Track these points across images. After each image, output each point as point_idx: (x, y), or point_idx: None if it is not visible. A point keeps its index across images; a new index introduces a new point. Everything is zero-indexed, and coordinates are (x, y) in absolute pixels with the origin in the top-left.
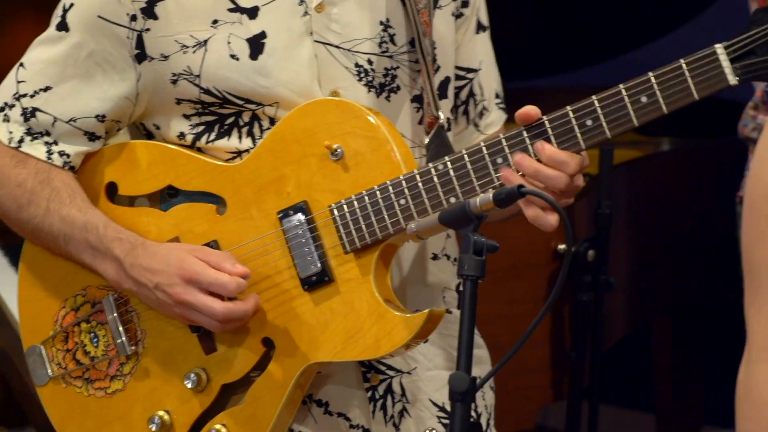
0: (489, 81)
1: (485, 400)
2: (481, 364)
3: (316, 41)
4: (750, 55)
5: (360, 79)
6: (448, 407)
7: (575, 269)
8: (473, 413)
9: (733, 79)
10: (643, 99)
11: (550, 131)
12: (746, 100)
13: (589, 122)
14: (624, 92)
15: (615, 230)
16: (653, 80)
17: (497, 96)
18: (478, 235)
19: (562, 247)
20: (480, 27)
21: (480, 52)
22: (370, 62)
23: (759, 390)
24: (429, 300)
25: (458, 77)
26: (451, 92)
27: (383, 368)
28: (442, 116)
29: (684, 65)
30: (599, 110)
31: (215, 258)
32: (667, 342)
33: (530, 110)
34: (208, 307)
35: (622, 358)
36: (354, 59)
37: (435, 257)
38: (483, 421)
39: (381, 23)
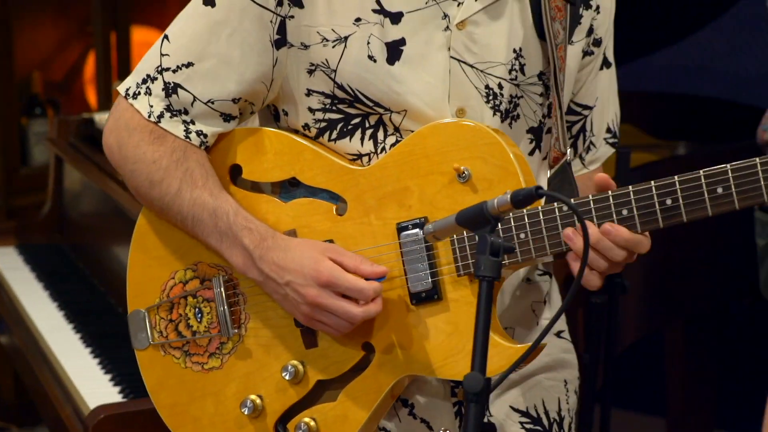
0: (602, 116)
1: (569, 404)
2: (569, 368)
3: (452, 57)
4: None
5: (488, 101)
6: (531, 411)
7: None
8: (556, 416)
9: None
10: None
11: (678, 190)
12: (766, 105)
13: (668, 201)
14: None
15: None
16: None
17: (608, 131)
18: (494, 236)
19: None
20: (605, 63)
21: (599, 89)
22: (500, 86)
23: None
24: (518, 313)
25: (574, 112)
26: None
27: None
28: (569, 153)
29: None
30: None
31: (351, 262)
32: (679, 346)
33: (609, 180)
34: (345, 311)
35: (634, 362)
36: (486, 81)
37: (529, 281)
38: (566, 424)
39: (514, 51)
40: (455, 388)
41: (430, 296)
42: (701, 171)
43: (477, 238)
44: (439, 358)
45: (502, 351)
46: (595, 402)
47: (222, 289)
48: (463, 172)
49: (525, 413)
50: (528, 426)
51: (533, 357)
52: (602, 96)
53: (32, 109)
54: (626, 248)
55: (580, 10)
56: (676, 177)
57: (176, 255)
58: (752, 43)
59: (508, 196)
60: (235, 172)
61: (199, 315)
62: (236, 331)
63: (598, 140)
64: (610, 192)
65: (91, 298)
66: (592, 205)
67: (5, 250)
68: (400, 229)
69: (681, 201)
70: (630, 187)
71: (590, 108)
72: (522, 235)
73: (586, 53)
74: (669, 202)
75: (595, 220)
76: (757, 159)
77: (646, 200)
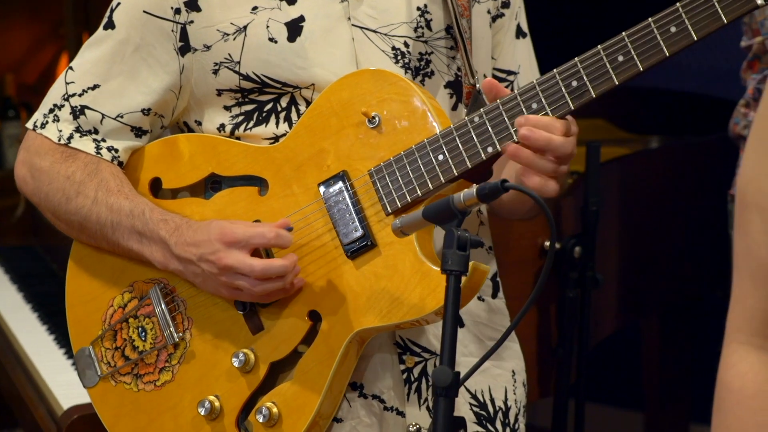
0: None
1: (516, 395)
2: (516, 359)
3: (353, 25)
4: None
5: (397, 62)
6: (479, 395)
7: (562, 266)
8: (502, 405)
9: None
10: (673, 29)
11: (582, 71)
12: (737, 98)
13: (620, 58)
14: (653, 24)
15: (603, 227)
16: (681, 9)
17: None
18: (462, 230)
19: (548, 243)
20: (520, 32)
21: (519, 57)
22: (407, 45)
23: (725, 370)
24: None
25: (499, 79)
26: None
27: (418, 350)
28: (479, 84)
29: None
30: (630, 45)
31: (258, 223)
32: (655, 339)
33: (496, 82)
34: (247, 264)
35: (609, 356)
36: (391, 43)
37: (490, 249)
38: (512, 415)
39: (418, 8)
40: (403, 356)
41: (364, 245)
42: (599, 45)
43: (444, 232)
44: (385, 305)
45: (444, 278)
46: (569, 397)
47: (159, 297)
48: (373, 117)
49: (473, 395)
50: (475, 409)
51: (476, 285)
52: (524, 64)
53: (5, 111)
54: (545, 129)
55: None
56: (576, 58)
57: (110, 283)
58: (723, 36)
59: (474, 189)
60: (156, 185)
61: (143, 333)
62: (181, 335)
63: None
64: (516, 92)
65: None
66: (501, 108)
67: None
68: (322, 188)
69: (586, 79)
70: (534, 80)
71: (514, 74)
72: (440, 157)
73: (497, 16)
74: (575, 83)
75: (507, 120)
76: (650, 18)
77: (553, 87)
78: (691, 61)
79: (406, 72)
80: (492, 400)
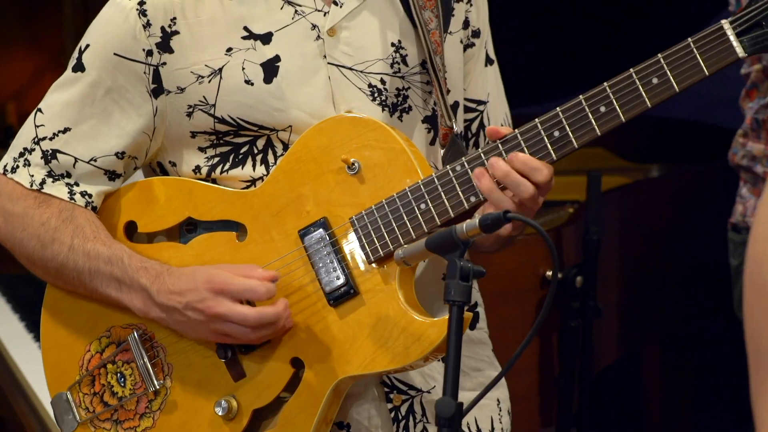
0: (498, 113)
1: (501, 423)
2: (501, 387)
3: (329, 63)
4: (756, 28)
5: (374, 99)
6: (465, 427)
7: (563, 295)
8: None
9: (741, 52)
10: (655, 80)
11: (564, 121)
12: (736, 127)
13: (602, 108)
14: (635, 75)
15: (604, 256)
16: (663, 61)
17: (508, 125)
18: (464, 260)
19: (550, 273)
20: (488, 60)
21: (489, 85)
22: (383, 82)
23: None
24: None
25: (469, 109)
26: (460, 117)
27: (405, 388)
28: (456, 126)
29: (692, 43)
30: (612, 96)
31: (241, 269)
32: (656, 368)
33: (499, 128)
34: (239, 314)
35: (611, 385)
36: (367, 80)
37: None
38: None
39: (393, 44)
40: (390, 394)
41: (347, 292)
42: (580, 95)
43: (447, 263)
44: (369, 353)
45: (427, 327)
46: (571, 426)
47: (138, 344)
48: (353, 164)
49: None
50: None
51: None
52: (492, 92)
53: (7, 140)
54: (523, 173)
55: (451, 1)
56: (558, 108)
57: (87, 328)
58: None
59: (477, 220)
60: (131, 229)
61: (122, 379)
62: (161, 383)
63: None
64: (498, 141)
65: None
66: (483, 157)
67: None
68: (302, 235)
69: (568, 129)
70: (516, 130)
71: (484, 103)
72: (423, 206)
73: (468, 46)
74: (557, 133)
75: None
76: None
77: (535, 137)
78: (690, 89)
79: (383, 109)
80: (479, 431)
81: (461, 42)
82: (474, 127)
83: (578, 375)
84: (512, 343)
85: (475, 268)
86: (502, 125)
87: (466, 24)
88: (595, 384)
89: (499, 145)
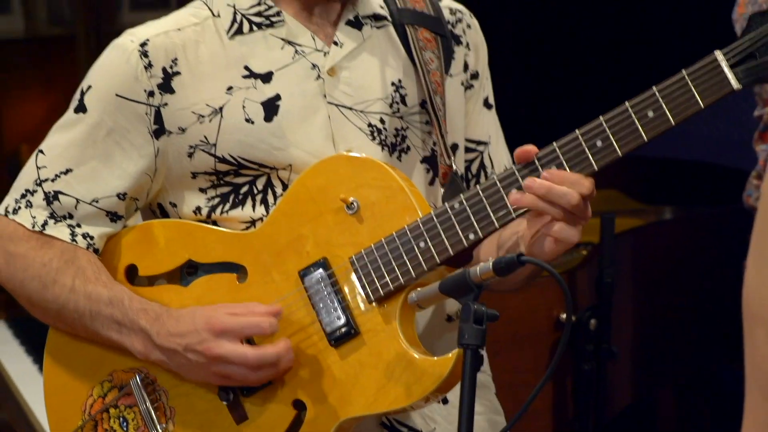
0: (499, 155)
1: None
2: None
3: (329, 103)
4: (750, 59)
5: (373, 138)
6: None
7: (577, 338)
8: None
9: (736, 84)
10: (650, 113)
11: (561, 157)
12: (750, 169)
13: (599, 143)
14: (630, 109)
15: (618, 299)
16: (658, 94)
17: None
18: (478, 303)
19: (564, 316)
20: (487, 104)
21: (489, 127)
22: (382, 121)
23: None
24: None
25: (469, 150)
26: (460, 159)
27: (405, 429)
28: (455, 166)
29: (686, 75)
30: (608, 130)
31: (242, 307)
32: (671, 412)
33: (527, 148)
34: (239, 354)
35: (625, 428)
36: (367, 119)
37: (449, 319)
38: None
39: (393, 84)
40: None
41: (348, 333)
42: (576, 130)
43: (461, 306)
44: (371, 394)
45: (429, 366)
46: None
47: (140, 387)
48: (352, 203)
49: None
50: None
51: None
52: (493, 134)
53: None
54: (567, 185)
55: (452, 44)
56: (554, 143)
57: (89, 372)
58: (736, 106)
59: (490, 263)
60: (131, 272)
61: (125, 423)
62: (164, 426)
63: None
64: (496, 178)
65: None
66: (481, 194)
67: None
68: (302, 276)
69: (565, 165)
70: (513, 166)
71: (485, 143)
72: (422, 244)
73: (467, 87)
74: (554, 168)
75: (488, 207)
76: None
77: (533, 173)
78: (704, 131)
79: (383, 149)
80: None
81: (462, 84)
82: (474, 167)
83: (593, 418)
84: (526, 386)
85: (488, 311)
86: (506, 168)
87: (465, 67)
88: (609, 427)
89: (497, 182)
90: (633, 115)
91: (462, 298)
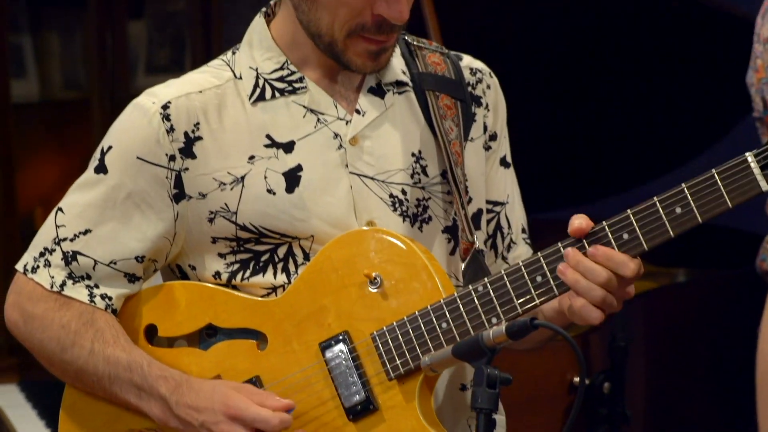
0: (516, 215)
1: None
2: None
3: (351, 173)
4: None
5: (395, 209)
6: None
7: (591, 402)
8: None
9: (765, 186)
10: (678, 210)
11: (586, 246)
12: (763, 233)
13: (625, 236)
14: (659, 204)
15: (632, 362)
16: (687, 191)
17: (524, 231)
18: (491, 367)
19: (577, 379)
20: (505, 163)
21: (507, 186)
22: (404, 192)
23: None
24: (453, 428)
25: (486, 210)
26: (484, 224)
27: None
28: (477, 242)
29: (716, 174)
30: (635, 223)
31: (258, 396)
32: None
33: (583, 222)
34: None
35: None
36: (389, 190)
37: (463, 388)
38: None
39: (413, 155)
40: None
41: (366, 408)
42: (604, 222)
43: (474, 370)
44: None
45: None
46: None
47: None
48: (375, 278)
49: None
50: None
51: None
52: (512, 194)
53: None
54: (609, 268)
55: (472, 107)
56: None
57: (105, 428)
58: None
59: (503, 327)
60: (151, 332)
61: None
62: None
63: (518, 238)
64: (521, 263)
65: None
66: (506, 279)
67: (7, 387)
68: (323, 348)
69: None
70: (539, 253)
71: (501, 204)
72: (444, 325)
73: (486, 149)
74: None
75: (512, 292)
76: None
77: (558, 262)
78: None
79: (404, 220)
80: None
81: (482, 147)
82: (490, 228)
83: None
84: None
85: (502, 375)
86: (523, 229)
87: (484, 129)
88: None
89: (522, 268)
90: (661, 210)
91: (475, 362)
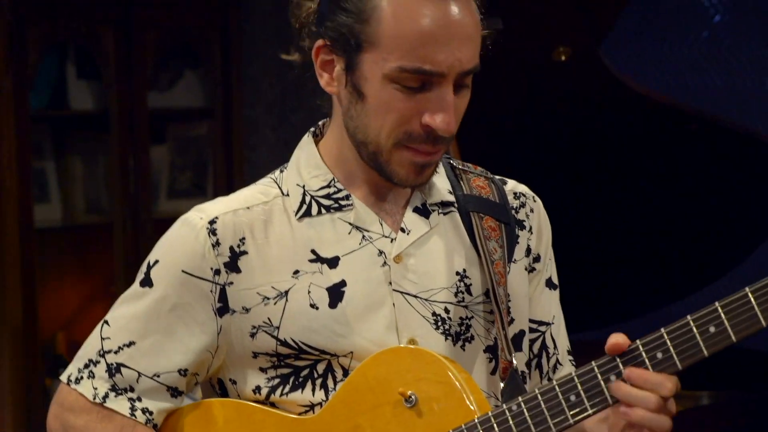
0: (561, 336)
1: None
2: None
3: (394, 290)
4: None
5: (437, 328)
6: None
7: None
8: None
9: None
10: (712, 329)
11: (621, 366)
12: None
13: (659, 355)
14: (692, 323)
15: None
16: (720, 310)
17: (569, 352)
18: None
19: None
20: (551, 284)
21: (552, 308)
22: (447, 311)
23: None
24: None
25: (531, 330)
26: (525, 346)
27: None
28: (515, 362)
29: (750, 293)
30: (669, 342)
31: None
32: None
33: (620, 340)
34: None
35: None
36: (431, 308)
37: None
38: None
39: (457, 273)
40: None
41: None
42: (637, 340)
43: None
44: None
45: None
46: None
47: None
48: (410, 397)
49: None
50: None
51: None
52: (557, 315)
53: (56, 370)
54: (646, 389)
55: (516, 230)
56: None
57: None
58: None
59: None
60: None
61: None
62: None
63: (564, 359)
64: (555, 382)
65: None
66: (540, 398)
67: None
68: None
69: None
70: (573, 372)
71: (546, 324)
72: None
73: (530, 271)
74: (613, 377)
75: (546, 411)
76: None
77: (592, 381)
78: None
79: (446, 338)
80: None
81: (525, 269)
82: (536, 347)
83: None
84: None
85: None
86: (569, 351)
87: (528, 251)
88: None
89: (556, 386)
90: (695, 329)
91: None
